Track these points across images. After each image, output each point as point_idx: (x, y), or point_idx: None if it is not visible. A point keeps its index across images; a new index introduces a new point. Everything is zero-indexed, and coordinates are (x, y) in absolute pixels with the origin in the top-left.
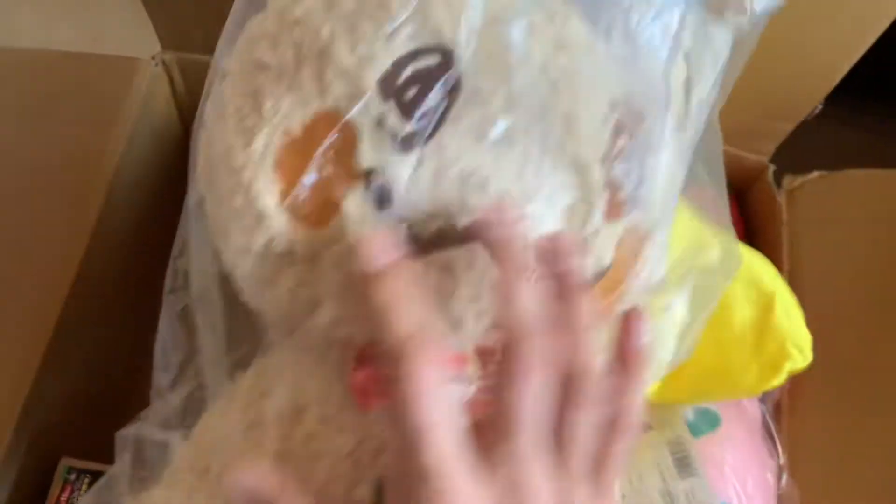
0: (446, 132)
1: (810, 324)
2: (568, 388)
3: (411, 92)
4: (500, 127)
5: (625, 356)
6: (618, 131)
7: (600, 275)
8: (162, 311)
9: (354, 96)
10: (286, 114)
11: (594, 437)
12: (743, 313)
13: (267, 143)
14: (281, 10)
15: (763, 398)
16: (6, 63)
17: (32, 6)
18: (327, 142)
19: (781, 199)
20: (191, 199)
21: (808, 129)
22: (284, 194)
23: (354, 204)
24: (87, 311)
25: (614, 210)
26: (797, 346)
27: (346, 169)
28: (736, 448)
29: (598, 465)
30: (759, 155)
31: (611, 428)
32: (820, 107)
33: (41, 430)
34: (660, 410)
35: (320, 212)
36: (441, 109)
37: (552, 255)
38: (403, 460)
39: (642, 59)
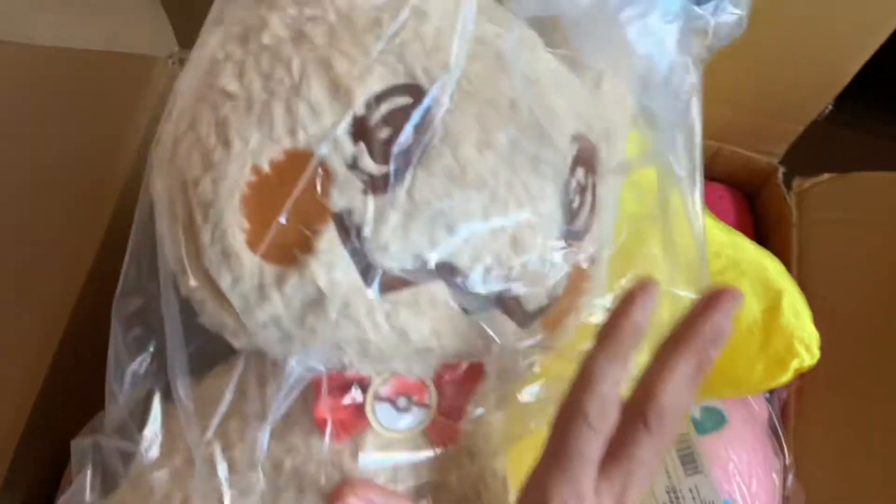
0: (419, 174)
1: (819, 325)
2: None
3: (384, 133)
4: (471, 169)
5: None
6: (576, 164)
7: (554, 301)
8: (112, 315)
9: (326, 137)
10: (255, 150)
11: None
12: (750, 309)
13: (236, 179)
14: (244, 32)
15: (770, 398)
16: (24, 61)
17: (53, 6)
18: (300, 183)
19: (791, 200)
20: (144, 208)
21: (818, 131)
22: (252, 234)
23: (326, 244)
24: (101, 306)
25: (570, 241)
26: (804, 344)
27: (319, 210)
28: (742, 447)
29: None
30: (770, 157)
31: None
32: (830, 108)
33: (53, 426)
34: None
35: (289, 251)
36: (413, 151)
37: None
38: None
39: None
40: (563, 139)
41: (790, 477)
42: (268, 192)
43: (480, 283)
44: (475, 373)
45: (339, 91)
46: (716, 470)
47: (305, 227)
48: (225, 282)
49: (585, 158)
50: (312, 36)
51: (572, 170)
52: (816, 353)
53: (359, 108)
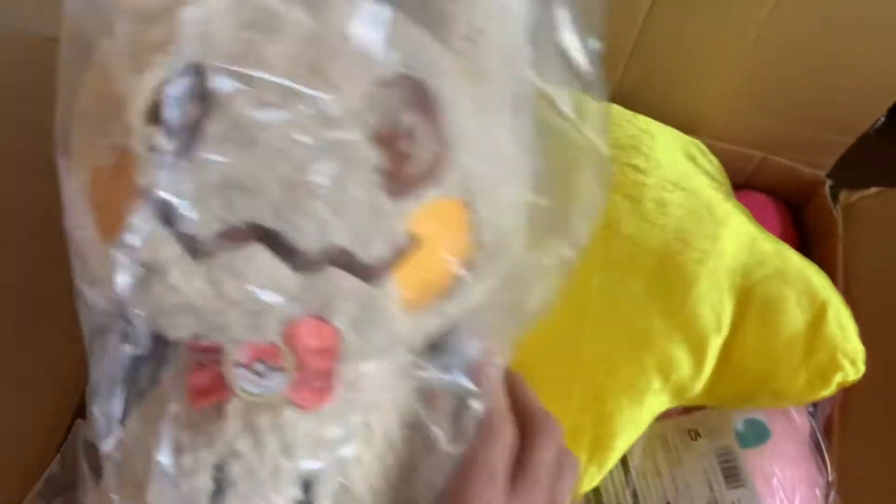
0: (207, 143)
1: (864, 339)
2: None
3: (173, 112)
4: (248, 131)
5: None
6: (400, 106)
7: (400, 252)
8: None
9: (127, 130)
10: (90, 153)
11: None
12: (794, 319)
13: (83, 178)
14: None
15: (813, 412)
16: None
17: None
18: (111, 171)
19: (838, 214)
20: None
21: (868, 143)
22: (97, 222)
23: (139, 221)
24: None
25: (399, 187)
26: (849, 358)
27: (132, 191)
28: (785, 462)
29: None
30: (817, 169)
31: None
32: (882, 120)
33: None
34: (708, 418)
35: (115, 229)
36: (198, 122)
37: None
38: None
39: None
40: (352, 92)
41: (833, 494)
42: (99, 185)
43: (297, 241)
44: (325, 332)
45: (128, 89)
46: (759, 484)
47: (124, 208)
48: (97, 273)
49: (406, 98)
50: (118, 40)
51: (383, 112)
52: (861, 368)
53: (146, 95)
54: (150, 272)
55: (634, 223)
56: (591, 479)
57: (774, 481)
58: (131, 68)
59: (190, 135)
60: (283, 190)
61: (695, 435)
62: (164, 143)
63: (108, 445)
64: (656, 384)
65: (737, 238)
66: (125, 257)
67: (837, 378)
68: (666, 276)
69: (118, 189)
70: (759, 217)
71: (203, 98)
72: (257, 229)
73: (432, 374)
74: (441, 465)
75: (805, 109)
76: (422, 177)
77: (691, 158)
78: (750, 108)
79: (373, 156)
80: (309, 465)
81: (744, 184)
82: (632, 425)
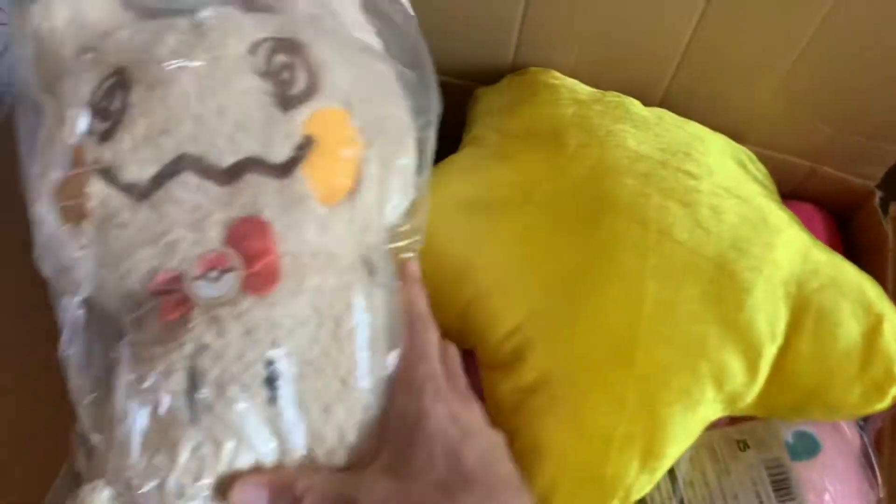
0: (131, 120)
1: None
2: None
3: (104, 103)
4: (161, 88)
5: None
6: (273, 53)
7: (301, 151)
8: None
9: (71, 126)
10: (56, 156)
11: None
12: (849, 331)
13: (46, 191)
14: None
15: (864, 425)
16: None
17: None
18: (69, 158)
19: (888, 226)
20: None
21: None
22: (62, 216)
23: (98, 190)
24: None
25: (288, 103)
26: None
27: (84, 169)
28: (835, 476)
29: None
30: (866, 180)
31: None
32: None
33: None
34: (756, 429)
35: (75, 212)
36: (126, 104)
37: None
38: None
39: None
40: (237, 49)
41: None
42: (61, 189)
43: (216, 158)
44: (258, 226)
45: (70, 99)
46: (811, 498)
47: (83, 185)
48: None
49: (276, 48)
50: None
51: (261, 58)
52: None
53: (85, 96)
54: (104, 222)
55: (690, 230)
56: (642, 488)
57: (827, 497)
58: (73, 83)
59: (118, 113)
60: (196, 122)
61: (743, 446)
62: (99, 125)
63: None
64: (710, 393)
65: (791, 247)
66: (86, 224)
67: (893, 391)
68: (722, 284)
69: (73, 183)
70: (806, 227)
71: (125, 85)
72: (182, 160)
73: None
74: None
75: (857, 117)
76: (303, 94)
77: (742, 165)
78: (800, 115)
79: (260, 84)
80: (270, 350)
81: (790, 193)
82: (684, 434)
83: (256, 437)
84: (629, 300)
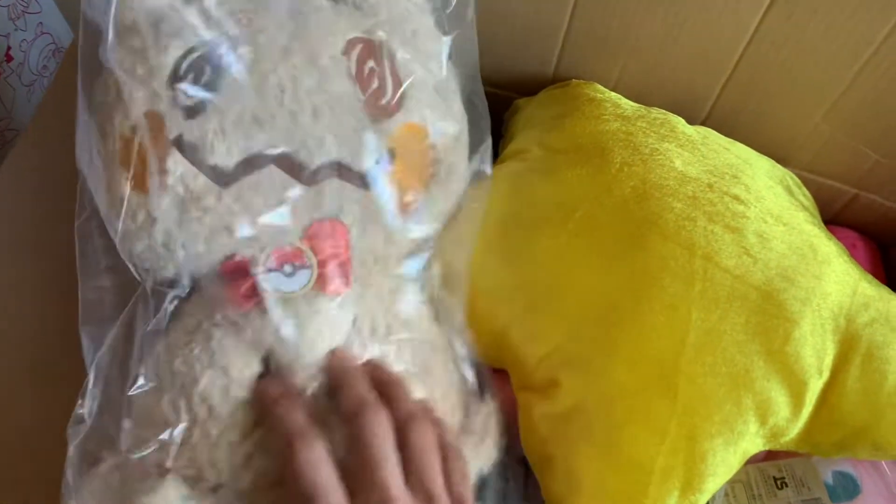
0: (219, 97)
1: None
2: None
3: (189, 77)
4: (256, 78)
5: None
6: (360, 58)
7: (385, 163)
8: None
9: (153, 95)
10: (118, 125)
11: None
12: None
13: (112, 148)
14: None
15: None
16: None
17: None
18: (146, 130)
19: None
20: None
21: None
22: (132, 178)
23: (172, 163)
24: None
25: (377, 114)
26: None
27: (162, 142)
28: None
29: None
30: None
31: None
32: None
33: None
34: (794, 466)
35: (147, 181)
36: (213, 82)
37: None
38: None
39: None
40: (334, 48)
41: None
42: (131, 150)
43: (305, 159)
44: (337, 229)
45: (151, 65)
46: None
47: (158, 158)
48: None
49: (367, 52)
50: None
51: (358, 62)
52: None
53: (167, 68)
54: (187, 203)
55: (736, 256)
56: None
57: None
58: (154, 50)
59: (206, 90)
60: (291, 119)
61: (781, 484)
62: (185, 98)
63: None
64: (753, 426)
65: (840, 279)
66: (164, 196)
67: None
68: (768, 314)
69: (151, 147)
70: None
71: (216, 66)
72: (272, 154)
73: None
74: None
75: None
76: (391, 106)
77: (789, 191)
78: (849, 138)
79: (354, 89)
80: (334, 342)
81: (832, 220)
82: (724, 468)
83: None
84: (673, 328)
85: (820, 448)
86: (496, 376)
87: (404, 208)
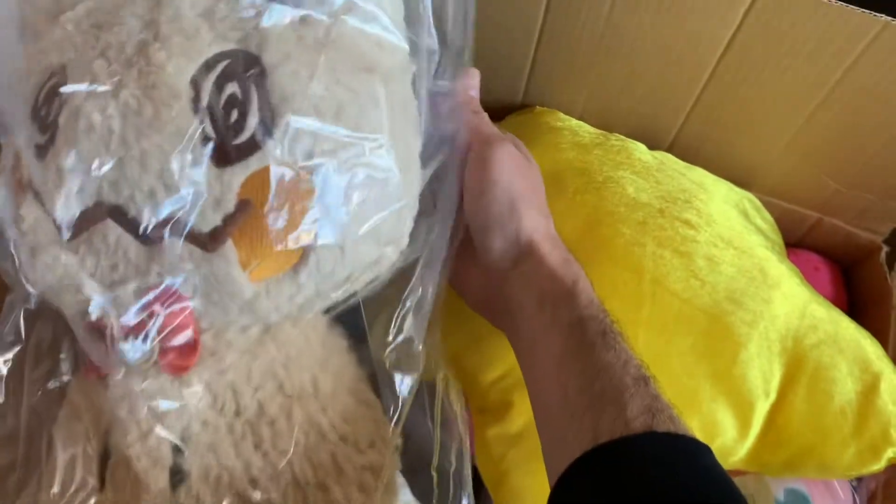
0: (60, 145)
1: None
2: None
3: (43, 110)
4: (86, 119)
5: None
6: (221, 80)
7: (232, 219)
8: None
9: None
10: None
11: None
12: (845, 389)
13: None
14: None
15: (857, 486)
16: None
17: None
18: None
19: (892, 281)
20: None
21: None
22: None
23: (25, 209)
24: None
25: (226, 157)
26: None
27: (21, 183)
28: None
29: None
30: (873, 234)
31: None
32: None
33: None
34: (747, 484)
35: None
36: (56, 124)
37: None
38: None
39: None
40: (179, 74)
41: None
42: (11, 181)
43: (136, 214)
44: (175, 298)
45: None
46: None
47: (17, 203)
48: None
49: (231, 73)
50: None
51: (214, 87)
52: None
53: (29, 96)
54: (35, 250)
55: (684, 280)
56: None
57: None
58: (22, 78)
59: (53, 128)
60: (117, 167)
61: None
62: (38, 137)
63: None
64: None
65: (789, 301)
66: (21, 241)
67: (889, 453)
68: (715, 337)
69: (17, 188)
70: (810, 278)
71: (60, 95)
72: (103, 207)
73: None
74: None
75: (868, 174)
76: (246, 146)
77: (744, 215)
78: (810, 167)
79: (196, 128)
80: (177, 426)
81: (797, 242)
82: None
83: None
84: None
85: (768, 468)
86: None
87: (265, 271)
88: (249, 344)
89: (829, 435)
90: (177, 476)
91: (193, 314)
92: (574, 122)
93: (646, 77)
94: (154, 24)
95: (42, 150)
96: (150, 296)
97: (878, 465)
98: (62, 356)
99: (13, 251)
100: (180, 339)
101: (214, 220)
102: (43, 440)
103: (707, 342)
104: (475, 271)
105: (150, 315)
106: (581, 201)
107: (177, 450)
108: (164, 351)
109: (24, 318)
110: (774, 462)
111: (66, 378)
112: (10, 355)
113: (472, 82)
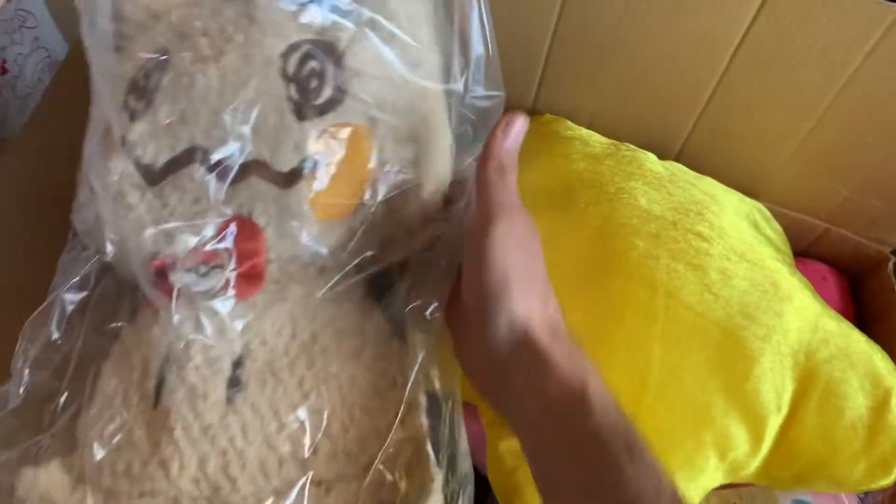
0: (157, 105)
1: None
2: None
3: (143, 82)
4: (187, 79)
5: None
6: (303, 57)
7: (308, 164)
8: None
9: (114, 100)
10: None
11: None
12: (856, 404)
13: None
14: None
15: (864, 498)
16: None
17: None
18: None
19: None
20: None
21: None
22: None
23: (119, 166)
24: None
25: (306, 113)
26: None
27: (112, 143)
28: None
29: None
30: (882, 245)
31: None
32: None
33: None
34: (754, 495)
35: (105, 180)
36: (156, 89)
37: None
38: None
39: None
40: (271, 50)
41: None
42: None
43: (226, 156)
44: (249, 228)
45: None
46: None
47: (108, 161)
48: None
49: (312, 53)
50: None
51: (299, 62)
52: None
53: (128, 72)
54: (118, 198)
55: (698, 294)
56: None
57: None
58: (119, 59)
59: (148, 96)
60: (212, 116)
61: None
62: (135, 104)
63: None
64: (713, 461)
65: (801, 315)
66: (105, 193)
67: None
68: (728, 352)
69: (104, 154)
70: (817, 287)
71: (164, 68)
72: (194, 152)
73: None
74: None
75: (876, 183)
76: (323, 105)
77: (755, 226)
78: (818, 176)
79: (283, 89)
80: (239, 342)
81: (804, 252)
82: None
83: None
84: (636, 365)
85: (778, 481)
86: (467, 410)
87: (329, 213)
88: (308, 280)
89: (839, 450)
90: (234, 388)
91: (264, 243)
92: (584, 131)
93: (656, 81)
94: (249, 15)
95: (138, 114)
96: (232, 227)
97: (888, 481)
98: (122, 306)
99: (99, 206)
100: (250, 266)
101: (292, 161)
102: (91, 372)
103: (720, 356)
104: (479, 353)
105: (227, 243)
106: (593, 213)
107: (235, 365)
108: (236, 276)
109: (96, 270)
110: (785, 476)
111: (121, 324)
112: (77, 297)
113: (511, 131)
